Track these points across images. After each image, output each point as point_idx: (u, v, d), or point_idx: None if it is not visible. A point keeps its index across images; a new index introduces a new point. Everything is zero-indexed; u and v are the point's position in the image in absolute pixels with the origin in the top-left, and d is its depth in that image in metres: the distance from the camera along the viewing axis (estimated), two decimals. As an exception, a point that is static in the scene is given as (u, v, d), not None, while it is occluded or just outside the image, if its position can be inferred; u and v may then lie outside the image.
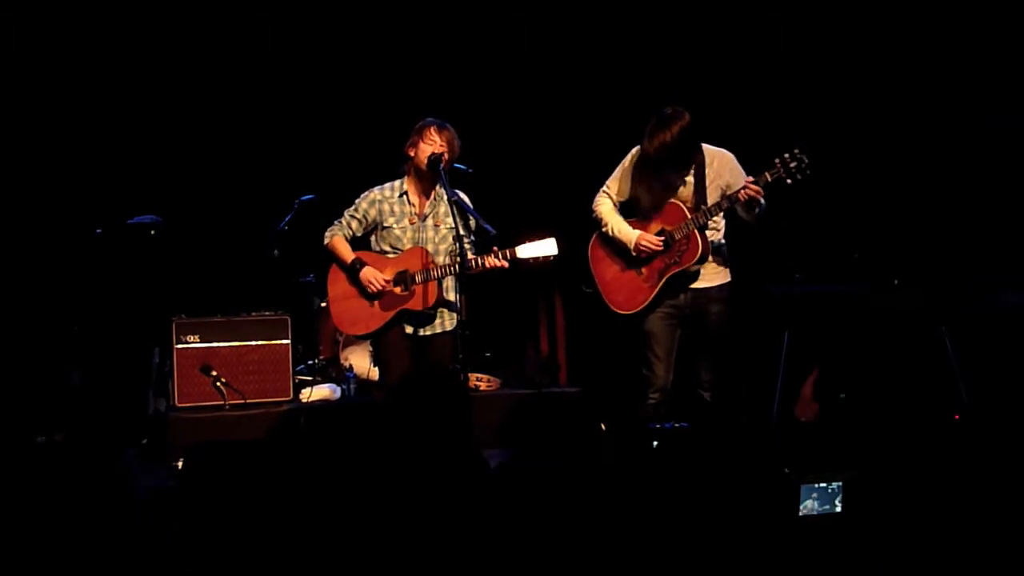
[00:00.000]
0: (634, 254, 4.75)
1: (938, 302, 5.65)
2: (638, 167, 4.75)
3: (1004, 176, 6.01)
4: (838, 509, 3.74)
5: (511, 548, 2.52)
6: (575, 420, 6.21)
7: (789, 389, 5.74)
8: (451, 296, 4.81)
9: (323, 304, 6.22)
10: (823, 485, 3.75)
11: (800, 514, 3.72)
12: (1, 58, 6.27)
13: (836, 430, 5.36)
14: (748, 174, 4.54)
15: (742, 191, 4.42)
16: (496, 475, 2.66)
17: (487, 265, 4.56)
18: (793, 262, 6.16)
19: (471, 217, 4.70)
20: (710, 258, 4.71)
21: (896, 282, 5.65)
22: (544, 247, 4.54)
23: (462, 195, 4.77)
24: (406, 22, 6.71)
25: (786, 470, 3.74)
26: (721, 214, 4.69)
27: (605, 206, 4.87)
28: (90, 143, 6.52)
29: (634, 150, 4.80)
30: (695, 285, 4.73)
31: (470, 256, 4.59)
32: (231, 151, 6.79)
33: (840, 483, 3.75)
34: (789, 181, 4.39)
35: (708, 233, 4.67)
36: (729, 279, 4.79)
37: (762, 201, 4.50)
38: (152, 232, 6.15)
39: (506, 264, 4.57)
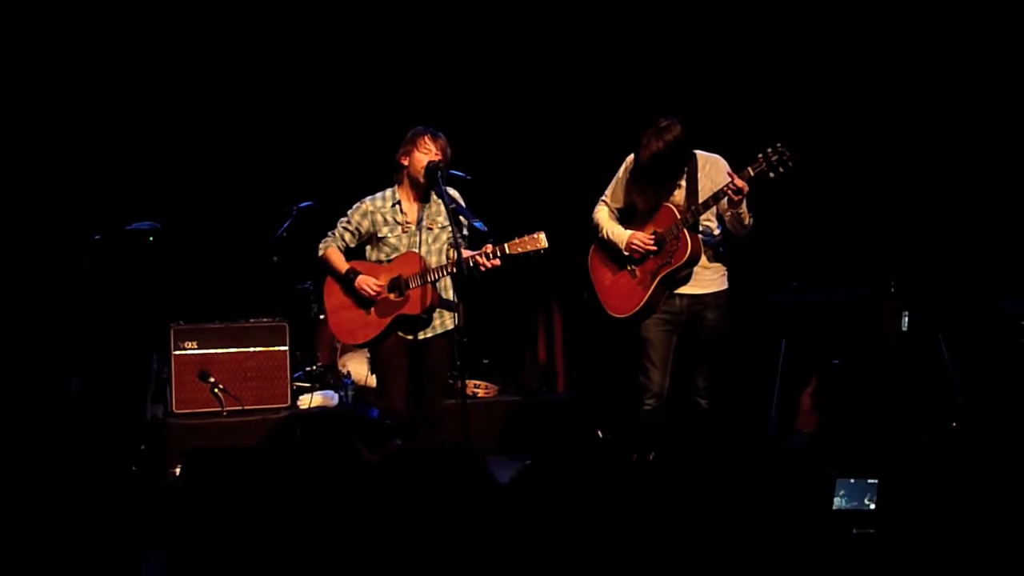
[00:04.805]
0: (626, 253, 4.79)
1: (935, 309, 5.66)
2: (632, 174, 4.80)
3: (999, 184, 6.01)
4: (872, 506, 3.75)
5: (520, 557, 2.52)
6: (572, 427, 6.22)
7: (787, 398, 5.74)
8: (449, 295, 4.81)
9: (321, 316, 6.24)
10: (858, 481, 3.75)
11: (833, 508, 3.74)
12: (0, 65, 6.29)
13: (835, 439, 5.37)
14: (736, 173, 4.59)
15: (726, 186, 4.48)
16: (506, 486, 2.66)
17: (480, 264, 4.56)
18: (790, 269, 6.18)
19: (463, 217, 4.70)
20: (707, 264, 4.74)
21: (893, 290, 5.66)
22: (534, 241, 4.54)
23: (454, 193, 4.78)
24: (403, 29, 6.72)
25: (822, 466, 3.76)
26: (713, 214, 4.72)
27: (601, 213, 4.92)
28: (88, 149, 6.53)
29: (629, 158, 4.84)
30: (692, 291, 4.75)
31: (465, 253, 4.60)
32: (229, 158, 6.80)
33: (876, 480, 3.75)
34: (772, 175, 4.46)
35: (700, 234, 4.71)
36: (726, 286, 4.82)
37: (747, 216, 4.55)
38: (150, 238, 6.16)
39: (498, 262, 4.57)
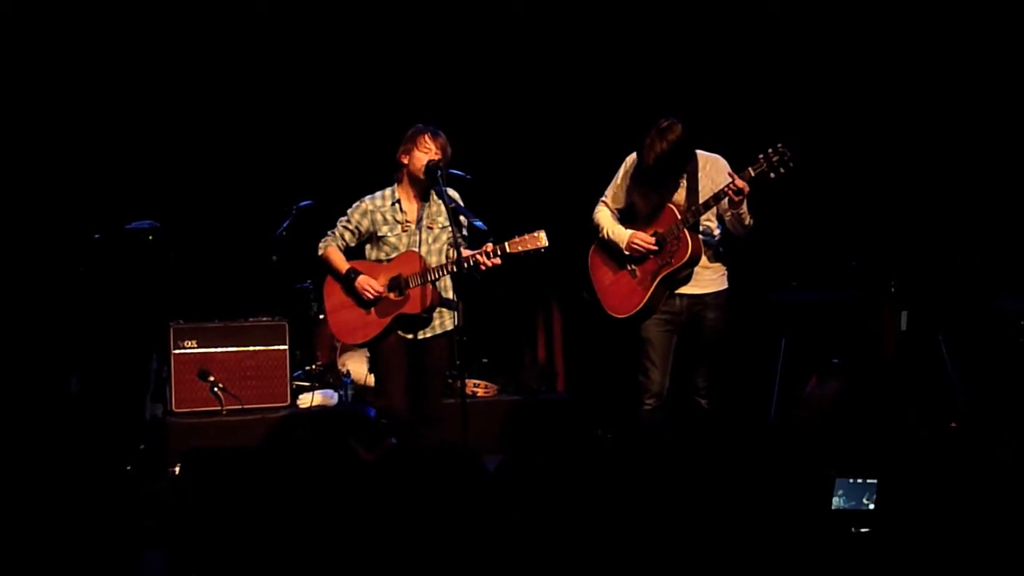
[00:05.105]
0: (627, 252, 4.79)
1: (935, 309, 5.66)
2: (633, 175, 4.80)
3: (998, 185, 6.02)
4: (871, 506, 3.74)
5: (512, 551, 2.51)
6: (572, 426, 6.22)
7: (786, 396, 5.75)
8: (449, 294, 4.81)
9: (321, 316, 6.25)
10: (858, 481, 3.75)
11: (832, 508, 3.74)
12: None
13: (834, 437, 5.37)
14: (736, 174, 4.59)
15: (727, 186, 4.48)
16: (495, 477, 2.65)
17: (480, 263, 4.56)
18: (790, 269, 6.18)
19: (463, 216, 4.70)
20: (707, 264, 4.74)
21: (893, 290, 5.66)
22: (534, 240, 4.54)
23: (454, 193, 4.77)
24: (403, 28, 6.72)
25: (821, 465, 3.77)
26: (713, 214, 4.72)
27: (602, 213, 4.91)
28: (88, 148, 6.52)
29: (628, 158, 4.83)
30: (692, 291, 4.75)
31: (465, 252, 4.60)
32: (229, 157, 6.80)
33: (875, 480, 3.75)
34: (772, 175, 4.46)
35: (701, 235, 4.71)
36: (726, 286, 4.81)
37: (747, 216, 4.55)
38: (150, 237, 6.15)
39: (498, 261, 4.57)
